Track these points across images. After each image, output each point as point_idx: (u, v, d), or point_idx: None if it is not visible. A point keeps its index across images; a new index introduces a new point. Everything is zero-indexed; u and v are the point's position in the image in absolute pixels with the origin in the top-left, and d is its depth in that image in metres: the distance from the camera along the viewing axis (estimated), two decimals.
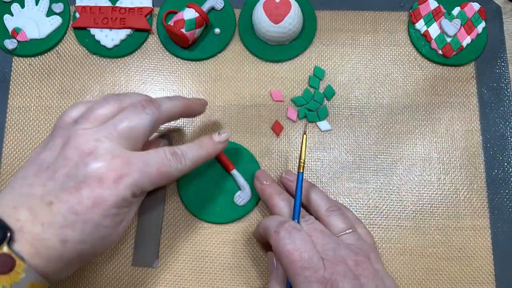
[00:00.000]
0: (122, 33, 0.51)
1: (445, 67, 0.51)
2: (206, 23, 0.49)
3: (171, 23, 0.48)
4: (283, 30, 0.48)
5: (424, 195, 0.48)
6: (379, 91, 0.50)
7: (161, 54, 0.51)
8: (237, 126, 0.49)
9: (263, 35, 0.50)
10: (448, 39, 0.51)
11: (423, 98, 0.50)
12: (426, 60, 0.51)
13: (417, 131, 0.49)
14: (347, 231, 0.39)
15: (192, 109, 0.42)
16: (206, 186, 0.47)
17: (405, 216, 0.47)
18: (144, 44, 0.51)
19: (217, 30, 0.51)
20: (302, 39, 0.51)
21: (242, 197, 0.47)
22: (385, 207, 0.47)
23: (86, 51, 0.51)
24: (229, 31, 0.51)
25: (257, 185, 0.45)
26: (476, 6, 0.52)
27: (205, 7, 0.51)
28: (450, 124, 0.50)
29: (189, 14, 0.48)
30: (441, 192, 0.48)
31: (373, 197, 0.48)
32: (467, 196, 0.48)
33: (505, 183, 0.48)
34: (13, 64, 0.51)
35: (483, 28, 0.52)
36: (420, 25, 0.51)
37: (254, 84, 0.50)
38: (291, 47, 0.51)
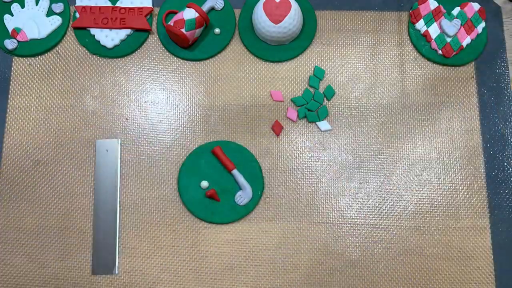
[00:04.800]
0: (122, 33, 0.51)
1: (445, 67, 0.51)
2: (206, 23, 0.49)
3: (171, 23, 0.48)
4: (283, 30, 0.48)
5: (424, 195, 0.48)
6: (379, 91, 0.50)
7: (161, 54, 0.51)
8: (237, 126, 0.49)
9: (263, 35, 0.50)
10: (448, 39, 0.51)
11: (423, 98, 0.50)
12: (426, 60, 0.51)
13: (417, 131, 0.49)
14: None
15: None
16: (207, 186, 0.47)
17: (405, 216, 0.47)
18: (144, 44, 0.51)
19: (217, 30, 0.51)
20: (302, 39, 0.51)
21: (243, 197, 0.47)
22: (385, 207, 0.47)
23: (86, 51, 0.51)
24: (229, 31, 0.51)
25: None
26: (476, 6, 0.52)
27: (205, 7, 0.51)
28: (450, 124, 0.49)
29: (189, 14, 0.48)
30: (441, 192, 0.48)
31: (373, 197, 0.48)
32: (467, 196, 0.48)
33: (505, 183, 0.48)
34: (13, 64, 0.51)
35: (483, 28, 0.51)
36: (420, 25, 0.51)
37: (254, 84, 0.50)
38: (291, 47, 0.51)
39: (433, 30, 0.51)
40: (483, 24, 0.52)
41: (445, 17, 0.52)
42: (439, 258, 0.46)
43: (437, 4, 0.52)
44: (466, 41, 0.51)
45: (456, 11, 0.52)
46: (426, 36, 0.51)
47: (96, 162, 0.48)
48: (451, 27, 0.51)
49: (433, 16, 0.52)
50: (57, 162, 0.48)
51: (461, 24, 0.51)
